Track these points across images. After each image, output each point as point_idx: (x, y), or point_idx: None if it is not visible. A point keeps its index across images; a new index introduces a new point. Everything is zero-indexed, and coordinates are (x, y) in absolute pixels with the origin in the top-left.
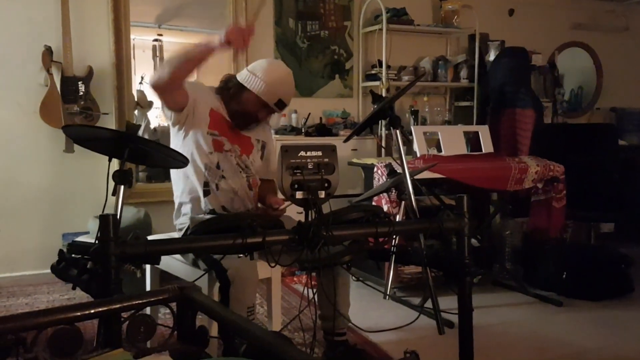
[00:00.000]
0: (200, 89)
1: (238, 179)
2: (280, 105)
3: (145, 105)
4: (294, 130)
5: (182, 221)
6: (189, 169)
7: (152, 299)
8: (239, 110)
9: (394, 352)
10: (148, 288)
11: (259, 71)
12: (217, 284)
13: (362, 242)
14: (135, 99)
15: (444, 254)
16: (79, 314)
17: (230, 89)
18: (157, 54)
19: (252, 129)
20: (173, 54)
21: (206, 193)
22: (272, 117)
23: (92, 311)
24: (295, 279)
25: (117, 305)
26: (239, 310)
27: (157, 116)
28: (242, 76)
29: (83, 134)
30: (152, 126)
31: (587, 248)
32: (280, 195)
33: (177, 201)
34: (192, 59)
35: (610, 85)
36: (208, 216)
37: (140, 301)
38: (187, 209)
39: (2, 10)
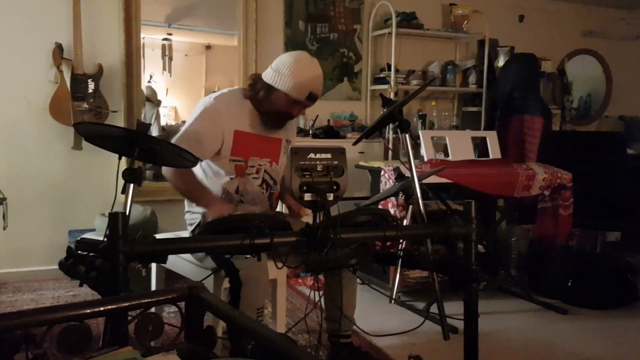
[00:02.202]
0: (220, 117)
1: (259, 201)
2: (312, 98)
3: (155, 101)
4: (302, 132)
5: (194, 217)
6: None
7: (161, 298)
8: (272, 111)
9: (398, 356)
10: (153, 286)
11: (284, 68)
12: (224, 284)
13: (369, 246)
14: (145, 95)
15: (451, 259)
16: (88, 311)
17: (259, 92)
18: (166, 53)
19: (285, 128)
20: (187, 181)
21: None
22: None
23: (102, 309)
24: (299, 280)
25: (126, 304)
26: (248, 311)
27: (165, 115)
28: (268, 76)
29: (94, 131)
30: (162, 123)
31: (593, 256)
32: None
33: (187, 203)
34: (190, 199)
35: (619, 93)
36: None
37: (149, 300)
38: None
39: (13, 7)
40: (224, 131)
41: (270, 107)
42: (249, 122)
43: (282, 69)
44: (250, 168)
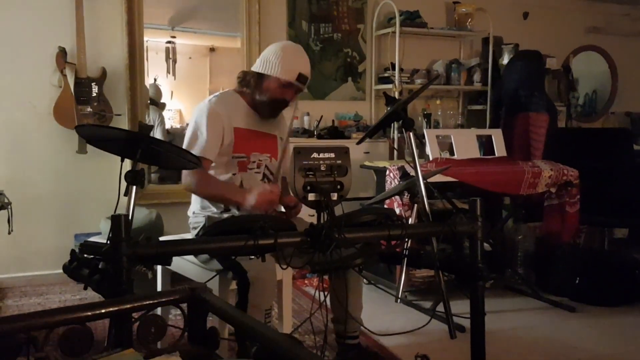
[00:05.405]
0: (221, 118)
1: None
2: (302, 79)
3: (159, 101)
4: (306, 133)
5: (198, 220)
6: None
7: (163, 300)
8: (266, 100)
9: (404, 355)
10: (159, 289)
11: (272, 55)
12: (230, 286)
13: (374, 245)
14: (149, 97)
15: (457, 257)
16: (89, 313)
17: (249, 82)
18: (170, 56)
19: (277, 123)
20: (212, 185)
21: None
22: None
23: (103, 311)
24: (306, 281)
25: (128, 306)
26: (256, 313)
27: (169, 118)
28: (257, 66)
29: (96, 134)
30: (166, 127)
31: (600, 253)
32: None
33: (193, 206)
34: (222, 202)
35: (625, 89)
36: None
37: (151, 301)
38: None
39: (17, 11)
40: (224, 130)
41: (263, 95)
42: (245, 119)
43: (269, 57)
44: (252, 163)
